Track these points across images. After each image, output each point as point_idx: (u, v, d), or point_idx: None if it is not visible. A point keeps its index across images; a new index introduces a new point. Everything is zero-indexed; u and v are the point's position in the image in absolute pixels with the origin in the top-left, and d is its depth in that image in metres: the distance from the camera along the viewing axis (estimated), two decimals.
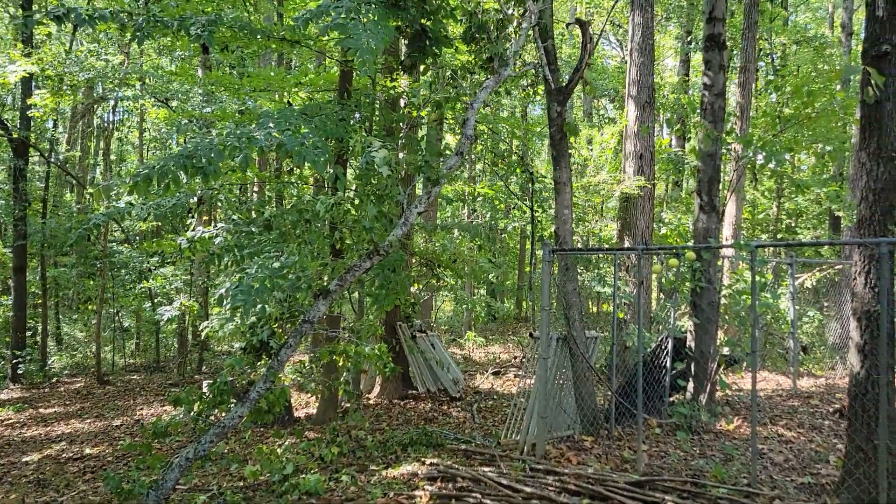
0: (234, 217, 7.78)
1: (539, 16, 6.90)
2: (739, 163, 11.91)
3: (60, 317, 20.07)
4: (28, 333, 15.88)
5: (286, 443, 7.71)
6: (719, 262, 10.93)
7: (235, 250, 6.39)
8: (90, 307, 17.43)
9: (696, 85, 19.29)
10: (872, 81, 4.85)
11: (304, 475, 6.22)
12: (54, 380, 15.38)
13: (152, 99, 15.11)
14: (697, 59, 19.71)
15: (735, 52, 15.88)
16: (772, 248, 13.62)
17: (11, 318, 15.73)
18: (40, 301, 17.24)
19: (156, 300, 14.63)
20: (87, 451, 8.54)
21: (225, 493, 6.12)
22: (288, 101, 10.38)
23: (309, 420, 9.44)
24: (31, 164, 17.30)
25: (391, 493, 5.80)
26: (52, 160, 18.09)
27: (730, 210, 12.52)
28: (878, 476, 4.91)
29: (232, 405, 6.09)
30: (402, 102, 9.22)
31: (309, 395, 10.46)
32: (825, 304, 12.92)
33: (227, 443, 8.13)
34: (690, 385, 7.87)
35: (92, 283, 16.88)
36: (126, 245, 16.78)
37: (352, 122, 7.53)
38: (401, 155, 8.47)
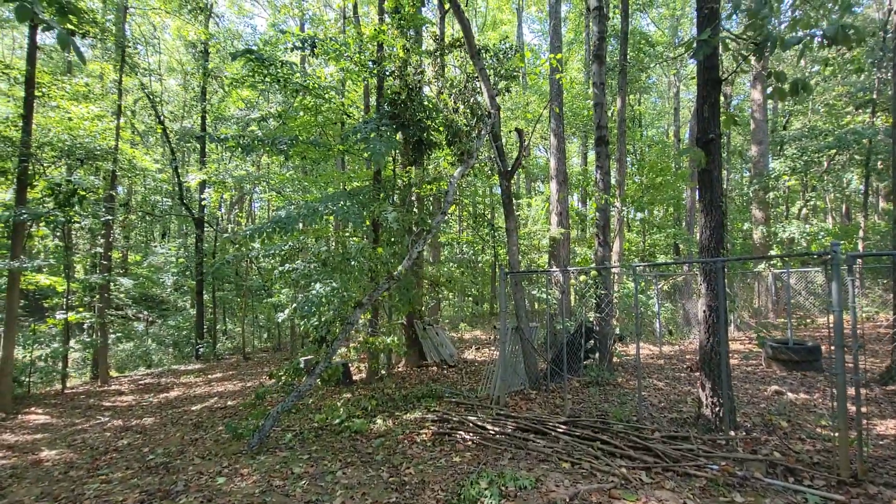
0: (306, 258, 7.24)
1: (492, 126, 6.49)
2: (620, 214, 11.35)
3: (226, 318, 19.66)
4: (205, 329, 15.49)
5: (345, 397, 7.06)
6: (613, 278, 10.27)
7: (305, 279, 5.91)
8: (240, 313, 16.86)
9: (589, 171, 18.66)
10: (700, 159, 4.36)
11: (353, 419, 5.63)
12: (220, 358, 14.84)
13: (273, 192, 14.84)
14: (591, 156, 19.30)
15: (613, 150, 15.43)
16: (644, 268, 12.96)
17: (195, 321, 15.51)
18: (211, 310, 16.86)
19: (277, 308, 14.05)
20: (229, 402, 7.91)
21: (303, 431, 5.56)
22: (344, 187, 9.91)
23: (361, 381, 8.77)
24: (207, 232, 17.10)
25: (407, 430, 5.21)
26: (217, 228, 17.86)
27: (616, 245, 11.90)
28: (723, 412, 4.27)
29: (305, 377, 5.53)
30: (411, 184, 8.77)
31: (361, 365, 9.80)
32: (682, 301, 12.09)
33: (310, 397, 7.48)
34: (597, 355, 7.21)
35: (240, 299, 16.40)
36: (258, 276, 16.27)
37: (381, 197, 7.10)
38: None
